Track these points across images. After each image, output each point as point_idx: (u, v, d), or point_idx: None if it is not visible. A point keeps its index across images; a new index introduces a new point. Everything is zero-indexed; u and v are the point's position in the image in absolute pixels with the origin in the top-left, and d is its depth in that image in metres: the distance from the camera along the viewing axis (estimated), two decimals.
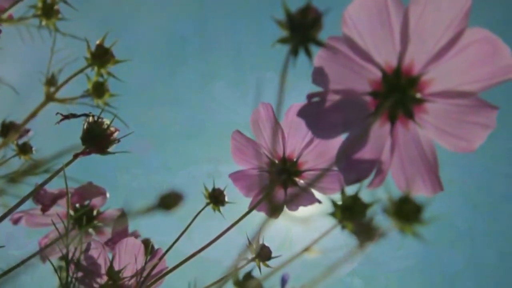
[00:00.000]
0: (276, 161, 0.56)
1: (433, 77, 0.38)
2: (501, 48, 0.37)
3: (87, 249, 0.50)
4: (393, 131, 0.39)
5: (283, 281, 0.55)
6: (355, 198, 0.37)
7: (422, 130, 0.39)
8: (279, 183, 0.55)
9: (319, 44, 0.35)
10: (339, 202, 0.37)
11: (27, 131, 0.62)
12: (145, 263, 0.49)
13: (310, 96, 0.41)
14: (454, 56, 0.37)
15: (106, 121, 0.52)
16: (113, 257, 0.50)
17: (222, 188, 0.63)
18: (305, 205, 0.58)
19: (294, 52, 0.35)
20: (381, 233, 0.30)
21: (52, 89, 0.48)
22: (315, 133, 0.42)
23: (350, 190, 0.40)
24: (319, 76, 0.41)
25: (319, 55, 0.41)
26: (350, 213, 0.36)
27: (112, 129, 0.52)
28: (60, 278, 0.45)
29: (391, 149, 0.40)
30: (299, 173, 0.55)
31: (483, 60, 0.37)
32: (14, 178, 0.51)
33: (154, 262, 0.50)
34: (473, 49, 0.37)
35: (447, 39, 0.37)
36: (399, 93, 0.38)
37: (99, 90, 0.51)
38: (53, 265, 0.45)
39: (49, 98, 0.48)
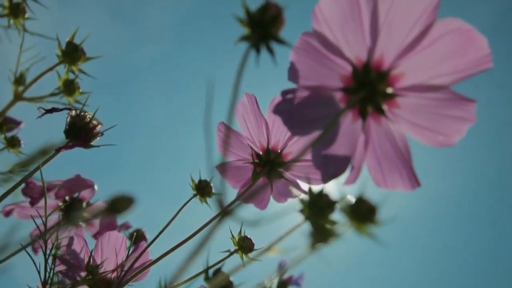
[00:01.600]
0: (261, 153, 0.55)
1: (403, 71, 0.37)
2: (475, 38, 0.36)
3: (70, 243, 0.51)
4: (365, 127, 0.39)
5: (281, 267, 0.56)
6: (321, 195, 0.36)
7: (395, 125, 0.38)
8: (264, 174, 0.55)
9: (280, 41, 0.34)
10: (306, 199, 0.37)
11: (18, 123, 0.63)
12: (127, 256, 0.50)
13: (284, 93, 0.40)
14: (425, 48, 0.36)
15: (89, 115, 0.52)
16: (95, 251, 0.50)
17: (208, 180, 0.63)
18: (291, 196, 0.58)
19: (256, 50, 0.34)
20: (336, 234, 0.30)
21: (20, 88, 0.48)
22: (291, 129, 0.41)
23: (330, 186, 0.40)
24: (293, 72, 0.40)
25: (293, 51, 0.40)
26: (317, 210, 0.36)
27: (94, 122, 0.52)
28: (39, 273, 0.45)
29: (365, 145, 0.39)
30: (283, 164, 0.55)
31: (456, 52, 0.36)
32: (5, 179, 0.51)
33: (136, 255, 0.50)
34: (446, 41, 0.36)
35: (417, 31, 0.36)
36: (368, 89, 0.37)
37: (69, 87, 0.50)
38: (32, 260, 0.45)
39: (18, 97, 0.48)
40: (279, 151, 0.55)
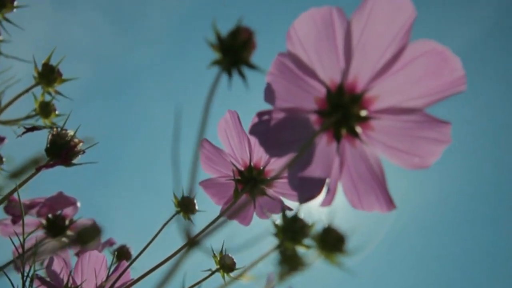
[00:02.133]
0: (243, 169, 0.55)
1: (378, 94, 0.37)
2: (449, 60, 0.36)
3: (49, 264, 0.50)
4: (340, 149, 0.38)
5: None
6: (295, 219, 0.36)
7: (370, 147, 0.38)
8: (246, 192, 0.55)
9: (251, 66, 0.34)
10: (280, 224, 0.36)
11: (2, 139, 0.62)
12: (107, 276, 0.49)
13: (260, 114, 0.40)
14: (399, 71, 0.36)
15: (70, 133, 0.52)
16: (74, 271, 0.50)
17: (192, 196, 0.62)
18: (276, 212, 0.57)
19: (228, 74, 0.34)
20: (306, 263, 0.30)
21: None
22: (267, 151, 0.41)
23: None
24: (269, 93, 0.40)
25: (270, 72, 0.40)
26: (290, 235, 0.36)
27: (76, 140, 0.52)
28: None
29: (340, 167, 0.39)
30: (266, 181, 0.55)
31: (430, 74, 0.36)
32: None
33: (117, 275, 0.50)
34: (419, 63, 0.36)
35: (391, 54, 0.36)
36: (342, 112, 0.37)
37: (45, 110, 0.50)
38: (10, 281, 0.45)
39: None
40: (261, 168, 0.55)
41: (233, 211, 0.54)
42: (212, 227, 0.30)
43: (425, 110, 0.37)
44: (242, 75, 0.34)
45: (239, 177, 0.55)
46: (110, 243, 0.64)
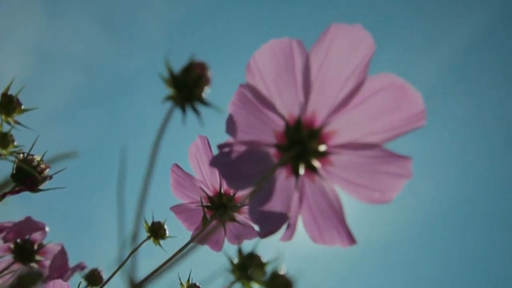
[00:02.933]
0: (212, 195, 0.54)
1: (337, 128, 0.36)
2: (410, 94, 0.35)
3: None
4: (299, 184, 0.38)
5: None
6: (251, 256, 0.35)
7: (329, 182, 0.37)
8: (216, 218, 0.54)
9: (204, 103, 0.33)
10: (236, 260, 0.36)
11: None
12: None
13: (221, 146, 0.40)
14: (358, 105, 0.36)
15: (37, 158, 0.51)
16: None
17: (162, 222, 0.62)
18: (248, 238, 0.57)
19: (181, 110, 0.34)
20: None
21: None
22: (228, 183, 0.41)
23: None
24: (230, 124, 0.39)
25: (232, 103, 0.39)
26: (247, 272, 0.35)
27: (42, 166, 0.51)
28: None
29: (299, 202, 0.38)
30: (236, 208, 0.54)
31: (390, 108, 0.35)
32: None
33: None
34: (379, 97, 0.35)
35: (349, 88, 0.35)
36: (299, 147, 0.36)
37: (3, 140, 0.50)
38: None
39: None
40: (231, 194, 0.54)
41: (202, 237, 0.53)
42: (157, 272, 0.30)
43: (385, 145, 0.36)
44: (195, 111, 0.34)
45: (209, 203, 0.54)
46: (81, 267, 0.63)
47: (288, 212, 0.39)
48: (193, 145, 0.54)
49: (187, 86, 0.33)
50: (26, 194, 0.52)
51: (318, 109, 0.36)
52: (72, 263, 0.60)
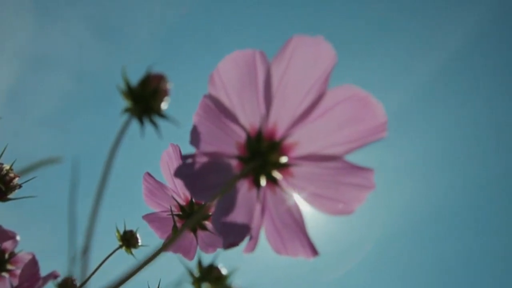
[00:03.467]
0: (184, 205, 0.54)
1: (298, 140, 0.36)
2: (371, 106, 0.35)
3: None
4: (260, 196, 0.38)
5: None
6: (210, 269, 0.35)
7: (291, 193, 0.37)
8: (187, 227, 0.54)
9: (161, 115, 0.33)
10: (196, 273, 0.35)
11: None
12: None
13: (184, 158, 0.39)
14: (319, 117, 0.36)
15: (6, 167, 0.51)
16: None
17: (134, 230, 0.61)
18: (221, 247, 0.56)
19: (139, 122, 0.34)
20: None
21: None
22: (192, 194, 0.41)
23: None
24: (194, 135, 0.39)
25: (196, 113, 0.39)
26: (207, 283, 0.35)
27: (11, 175, 0.51)
28: None
29: (261, 213, 0.38)
30: (207, 217, 0.54)
31: (351, 120, 0.35)
32: None
33: None
34: (340, 109, 0.35)
35: (310, 100, 0.35)
36: (260, 159, 0.36)
37: None
38: None
39: None
40: (203, 203, 0.54)
41: (173, 246, 0.53)
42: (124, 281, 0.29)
43: (346, 156, 0.36)
44: (153, 123, 0.34)
45: (180, 212, 0.54)
46: (53, 276, 0.62)
47: (250, 223, 0.38)
48: (165, 154, 0.54)
49: (144, 99, 0.33)
50: None
51: (279, 121, 0.36)
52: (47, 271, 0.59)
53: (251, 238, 0.38)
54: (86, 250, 0.27)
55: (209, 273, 0.34)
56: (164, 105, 0.33)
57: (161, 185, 0.55)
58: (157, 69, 0.34)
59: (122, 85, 0.33)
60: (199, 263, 0.35)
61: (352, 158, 0.36)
